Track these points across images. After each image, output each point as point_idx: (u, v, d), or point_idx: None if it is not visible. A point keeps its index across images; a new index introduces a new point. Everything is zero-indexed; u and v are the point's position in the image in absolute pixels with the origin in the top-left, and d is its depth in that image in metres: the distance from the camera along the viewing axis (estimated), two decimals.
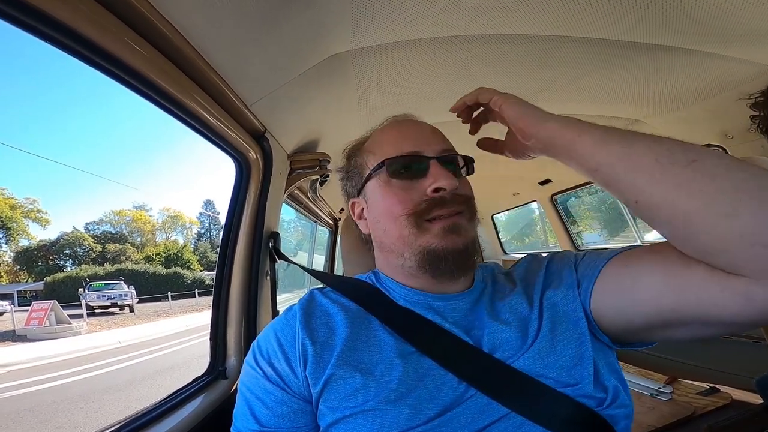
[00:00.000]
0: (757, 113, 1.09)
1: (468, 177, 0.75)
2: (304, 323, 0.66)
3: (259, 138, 1.10)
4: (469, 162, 0.74)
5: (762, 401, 1.17)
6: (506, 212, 4.88)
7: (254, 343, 0.69)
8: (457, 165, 0.72)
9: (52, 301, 13.95)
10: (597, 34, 1.11)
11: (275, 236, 1.25)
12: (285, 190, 1.35)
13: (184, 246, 42.46)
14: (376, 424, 0.56)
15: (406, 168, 0.68)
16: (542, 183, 3.26)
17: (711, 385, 1.65)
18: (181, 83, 0.75)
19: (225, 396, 1.06)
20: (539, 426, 0.55)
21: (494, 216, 4.80)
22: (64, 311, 13.91)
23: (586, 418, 0.56)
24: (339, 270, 2.88)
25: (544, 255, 0.77)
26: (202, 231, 48.65)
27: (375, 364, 0.61)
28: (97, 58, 0.59)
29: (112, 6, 0.56)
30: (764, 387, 1.16)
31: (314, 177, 1.48)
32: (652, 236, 3.27)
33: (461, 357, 0.61)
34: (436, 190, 0.65)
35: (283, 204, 1.48)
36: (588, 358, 0.60)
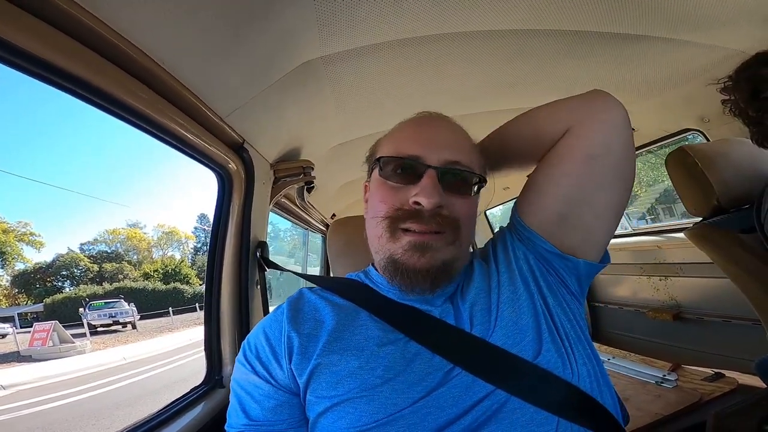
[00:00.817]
0: (728, 97, 1.11)
1: None
2: (290, 318, 0.68)
3: (238, 149, 1.11)
4: (481, 181, 0.72)
5: (767, 386, 1.17)
6: (500, 207, 4.88)
7: (245, 341, 0.71)
8: (464, 181, 0.69)
9: (53, 322, 13.95)
10: (567, 26, 1.13)
11: (263, 245, 1.26)
12: (270, 199, 1.36)
13: (182, 261, 42.22)
14: (363, 410, 0.58)
15: (402, 170, 0.68)
16: (530, 176, 3.26)
17: (716, 370, 1.64)
18: (152, 102, 0.75)
19: (223, 404, 1.06)
20: (525, 401, 0.57)
21: (487, 211, 4.80)
22: (66, 331, 13.85)
23: (568, 393, 0.59)
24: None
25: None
26: (199, 245, 48.38)
27: (361, 350, 0.63)
28: (67, 84, 0.60)
29: (76, 33, 0.57)
30: (764, 370, 1.16)
31: (300, 184, 1.49)
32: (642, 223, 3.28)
33: (447, 339, 0.63)
34: (417, 203, 0.64)
35: (275, 213, 1.48)
36: (541, 308, 0.66)
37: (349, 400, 0.59)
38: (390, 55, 1.14)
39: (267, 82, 0.99)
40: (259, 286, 1.28)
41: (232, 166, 1.10)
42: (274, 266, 1.29)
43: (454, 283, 0.72)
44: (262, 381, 0.65)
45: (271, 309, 1.35)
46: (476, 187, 0.71)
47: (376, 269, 0.77)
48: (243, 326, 1.17)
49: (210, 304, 1.15)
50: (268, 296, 1.33)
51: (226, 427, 0.66)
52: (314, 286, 0.80)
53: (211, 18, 0.71)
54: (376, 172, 0.71)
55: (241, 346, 0.71)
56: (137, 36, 0.64)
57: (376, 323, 0.67)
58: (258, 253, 1.24)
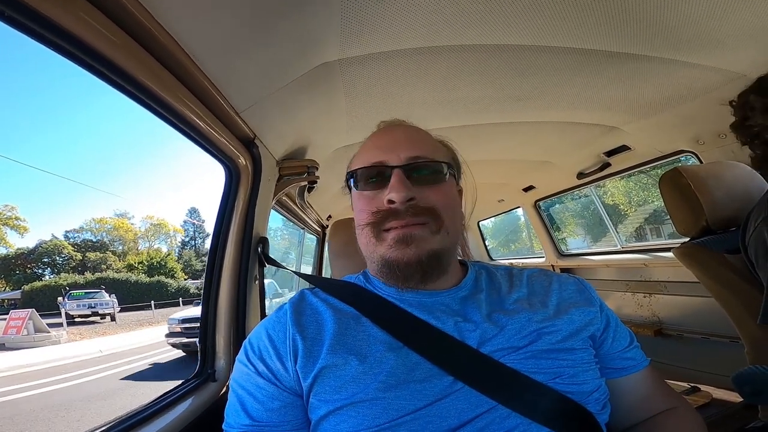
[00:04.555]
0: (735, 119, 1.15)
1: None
2: (294, 320, 0.68)
3: (249, 144, 1.12)
4: (450, 166, 0.73)
5: (741, 399, 1.20)
6: (492, 219, 4.92)
7: (246, 341, 0.70)
8: (431, 171, 0.71)
9: (30, 310, 13.54)
10: (574, 44, 1.16)
11: (264, 241, 1.26)
12: (273, 197, 1.37)
13: (168, 254, 41.58)
14: (366, 415, 0.58)
15: (372, 178, 0.71)
16: (526, 189, 3.31)
17: (692, 384, 1.70)
18: (173, 88, 0.76)
19: (214, 398, 1.06)
20: (524, 417, 0.58)
21: (480, 222, 4.84)
22: (42, 320, 13.52)
23: (570, 409, 0.59)
24: (327, 276, 2.88)
25: (563, 277, 0.80)
26: (187, 239, 47.75)
27: (365, 356, 0.63)
28: (90, 60, 0.60)
29: (107, 9, 0.58)
30: (740, 383, 1.20)
31: (302, 184, 1.50)
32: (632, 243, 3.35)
33: (447, 352, 0.63)
34: (390, 201, 0.67)
35: (274, 210, 1.49)
36: (592, 379, 0.66)
37: (352, 405, 0.59)
38: (404, 62, 1.16)
39: (285, 80, 1.00)
40: (257, 282, 1.28)
41: (241, 160, 1.11)
42: (274, 263, 1.29)
43: (460, 292, 0.73)
44: (266, 382, 0.64)
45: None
46: (446, 174, 0.73)
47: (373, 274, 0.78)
48: (239, 320, 1.17)
49: (208, 296, 1.15)
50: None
51: (224, 427, 0.65)
52: (314, 286, 0.80)
53: (240, 12, 0.72)
54: (354, 187, 0.75)
55: (242, 345, 0.70)
56: (165, 18, 0.65)
57: (378, 329, 0.67)
58: (259, 249, 1.25)
